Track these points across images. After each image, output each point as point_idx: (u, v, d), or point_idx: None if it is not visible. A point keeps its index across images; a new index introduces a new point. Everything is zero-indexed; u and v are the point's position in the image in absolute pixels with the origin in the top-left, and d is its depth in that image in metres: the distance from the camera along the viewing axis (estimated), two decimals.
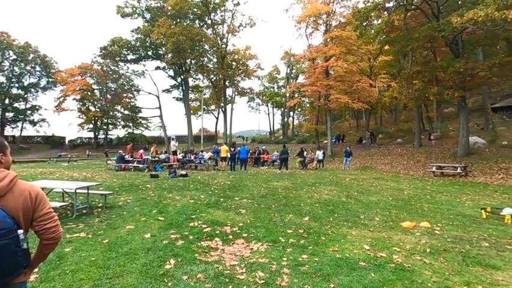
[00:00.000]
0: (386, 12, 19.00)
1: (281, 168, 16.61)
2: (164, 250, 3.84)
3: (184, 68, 35.66)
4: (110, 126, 47.50)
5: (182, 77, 36.27)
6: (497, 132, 21.77)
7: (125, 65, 40.46)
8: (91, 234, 4.48)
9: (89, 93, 42.15)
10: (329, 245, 4.26)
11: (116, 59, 36.06)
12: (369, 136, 28.88)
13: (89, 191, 6.35)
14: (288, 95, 40.75)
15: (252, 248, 4.08)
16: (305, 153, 19.18)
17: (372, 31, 20.37)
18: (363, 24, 18.93)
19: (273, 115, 55.03)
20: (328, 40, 25.57)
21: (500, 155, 16.01)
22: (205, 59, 36.42)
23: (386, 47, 23.53)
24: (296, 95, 37.50)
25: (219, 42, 34.96)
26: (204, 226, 4.98)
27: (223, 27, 35.88)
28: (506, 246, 4.42)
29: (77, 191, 5.88)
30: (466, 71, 15.48)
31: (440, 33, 15.32)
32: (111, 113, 44.87)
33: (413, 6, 18.05)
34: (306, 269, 3.35)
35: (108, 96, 44.91)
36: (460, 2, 16.21)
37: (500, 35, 15.96)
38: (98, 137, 47.07)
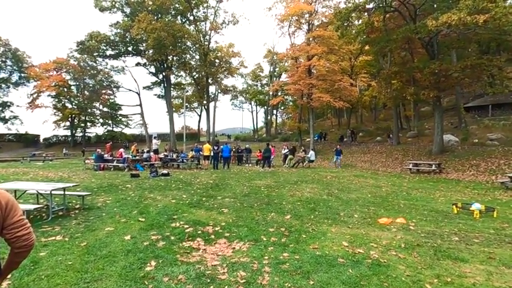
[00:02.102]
0: (366, 14, 19.48)
1: (264, 166, 16.71)
2: (145, 252, 3.80)
3: (165, 65, 34.92)
4: (89, 124, 45.88)
5: (163, 73, 35.44)
6: (469, 131, 22.90)
7: (103, 60, 39.01)
8: (68, 237, 4.35)
9: (65, 89, 40.50)
10: (310, 242, 4.36)
11: (94, 54, 34.64)
12: (350, 134, 29.61)
13: (66, 192, 6.13)
14: (271, 93, 40.91)
15: (234, 248, 4.11)
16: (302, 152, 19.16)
17: (353, 31, 20.82)
18: (345, 24, 19.34)
19: (257, 113, 55.11)
20: (310, 39, 25.87)
21: (472, 152, 16.84)
22: (188, 55, 35.80)
23: (366, 47, 24.19)
24: (279, 94, 37.69)
25: (202, 39, 34.48)
26: (186, 226, 4.95)
27: (205, 24, 35.47)
28: (474, 240, 4.69)
29: (53, 192, 5.67)
30: (440, 72, 16.19)
31: (416, 35, 15.93)
32: (89, 110, 43.35)
33: (391, 8, 18.61)
34: (287, 267, 3.42)
35: (86, 92, 43.34)
36: (435, 6, 16.86)
37: (472, 38, 16.82)
38: (76, 135, 45.38)
